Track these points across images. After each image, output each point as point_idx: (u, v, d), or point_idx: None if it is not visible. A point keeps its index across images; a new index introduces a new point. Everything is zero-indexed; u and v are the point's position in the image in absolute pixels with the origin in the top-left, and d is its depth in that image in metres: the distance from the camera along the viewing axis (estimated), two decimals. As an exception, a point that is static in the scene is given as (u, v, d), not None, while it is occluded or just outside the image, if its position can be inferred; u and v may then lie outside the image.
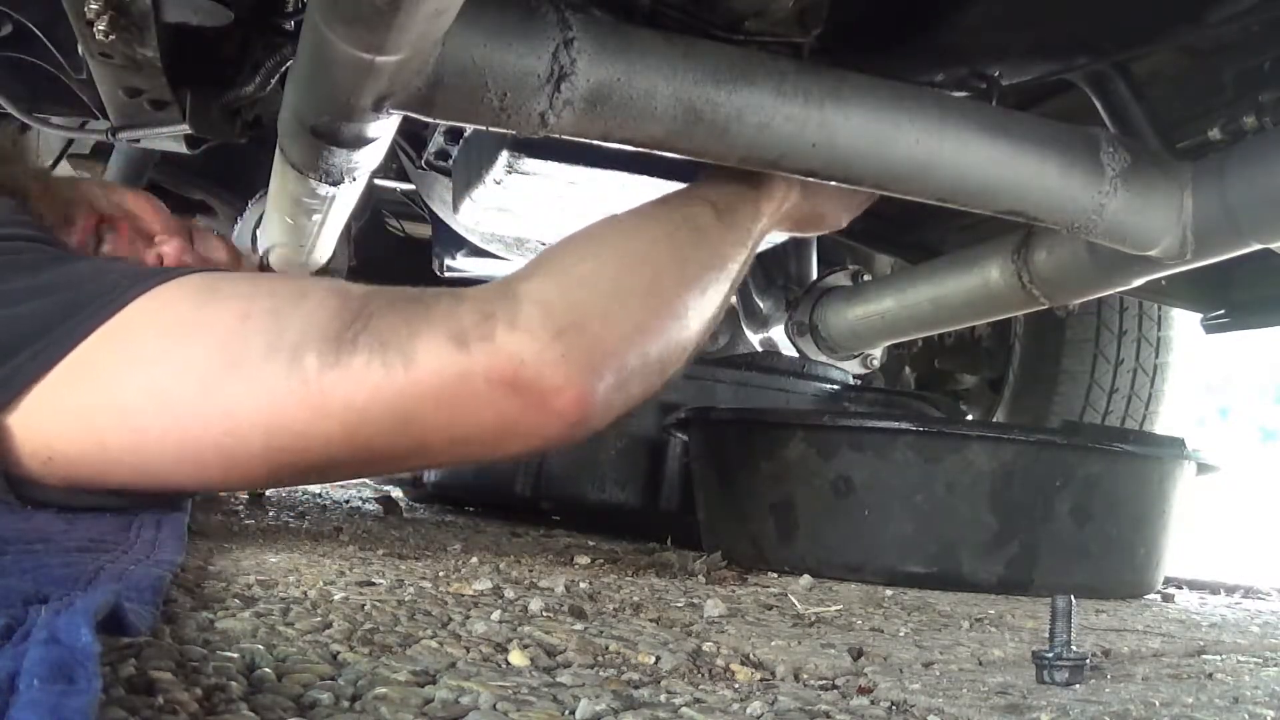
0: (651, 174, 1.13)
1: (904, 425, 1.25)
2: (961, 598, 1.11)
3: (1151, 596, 1.35)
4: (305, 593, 0.73)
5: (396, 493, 2.22)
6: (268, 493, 1.67)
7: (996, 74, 1.10)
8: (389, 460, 0.88)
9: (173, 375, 0.79)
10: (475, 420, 0.80)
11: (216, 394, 0.78)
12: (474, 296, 0.82)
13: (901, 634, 0.83)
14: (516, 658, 0.59)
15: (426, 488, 1.99)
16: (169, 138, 1.22)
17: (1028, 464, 1.20)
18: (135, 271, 0.87)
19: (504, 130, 0.84)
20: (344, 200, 1.17)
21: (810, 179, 0.93)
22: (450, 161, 1.31)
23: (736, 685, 0.59)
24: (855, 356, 1.75)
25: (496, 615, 0.72)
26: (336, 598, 0.73)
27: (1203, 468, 1.31)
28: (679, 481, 1.73)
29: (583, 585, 0.95)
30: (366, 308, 0.80)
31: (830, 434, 1.25)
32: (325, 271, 1.65)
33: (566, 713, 0.48)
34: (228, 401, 0.78)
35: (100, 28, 0.92)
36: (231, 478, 0.85)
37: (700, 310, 0.91)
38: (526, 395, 0.79)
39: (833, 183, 0.94)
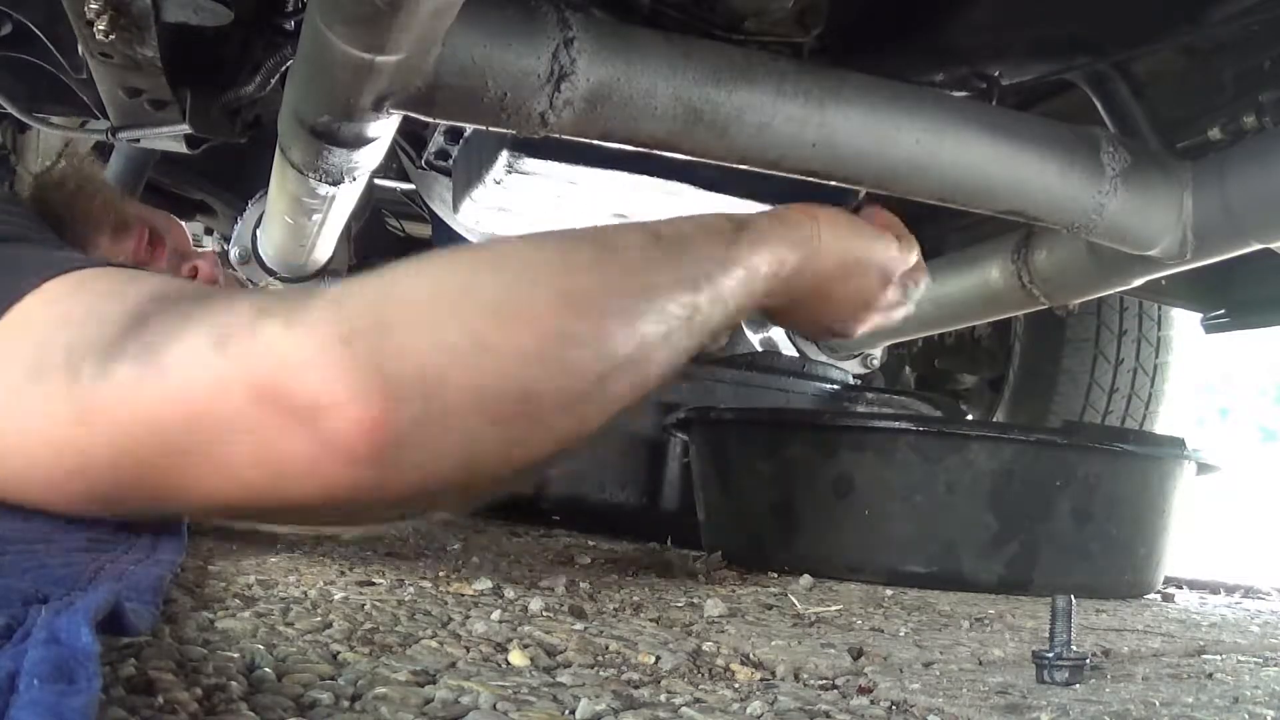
0: (652, 174, 1.13)
1: (905, 425, 1.24)
2: (961, 598, 1.11)
3: (1151, 596, 1.35)
4: (305, 592, 0.73)
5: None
6: None
7: (996, 74, 1.10)
8: (173, 494, 0.67)
9: (3, 381, 0.69)
10: (234, 447, 0.61)
11: (17, 403, 0.68)
12: (266, 292, 0.70)
13: (901, 634, 0.82)
14: (516, 658, 0.59)
15: None
16: (169, 137, 1.22)
17: (1028, 464, 1.19)
18: (41, 261, 0.77)
19: (504, 130, 0.84)
20: (344, 200, 1.17)
21: (840, 265, 0.80)
22: (450, 161, 1.31)
23: (736, 685, 0.59)
24: (855, 356, 1.75)
25: (496, 615, 0.72)
26: (336, 597, 0.73)
27: (1203, 468, 1.31)
28: (679, 481, 1.72)
29: (583, 585, 0.95)
30: (153, 306, 0.67)
31: (831, 434, 1.24)
32: (325, 271, 1.65)
33: (566, 713, 0.48)
34: (23, 414, 0.68)
35: (100, 27, 0.92)
36: (50, 496, 0.72)
37: (601, 349, 0.66)
38: (289, 412, 0.59)
39: (852, 280, 0.82)
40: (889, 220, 0.89)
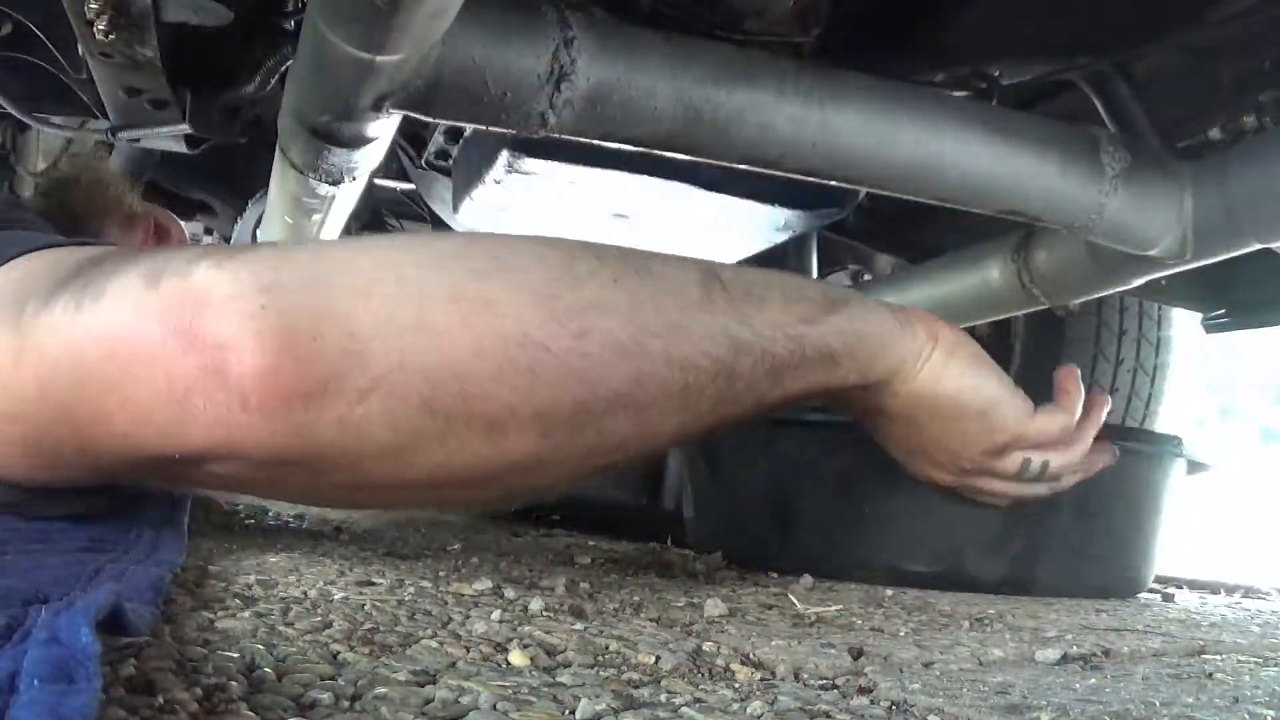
0: (652, 174, 1.13)
1: None
2: (962, 597, 1.11)
3: (1151, 596, 1.35)
4: (305, 592, 0.73)
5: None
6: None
7: (996, 74, 1.10)
8: (92, 440, 0.64)
9: None
10: (145, 378, 0.59)
11: None
12: (217, 246, 0.67)
13: (901, 634, 0.82)
14: (516, 658, 0.59)
15: None
16: (169, 137, 1.22)
17: None
18: (20, 239, 0.76)
19: (504, 130, 0.84)
20: (344, 200, 1.17)
21: (943, 400, 0.73)
22: (450, 161, 1.31)
23: (736, 685, 0.59)
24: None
25: (496, 615, 0.72)
26: (336, 597, 0.73)
27: (1194, 465, 1.31)
28: (679, 481, 1.72)
29: (583, 585, 0.95)
30: (107, 254, 0.66)
31: (832, 430, 1.21)
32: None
33: (566, 713, 0.48)
34: None
35: (100, 27, 0.92)
36: (6, 460, 0.69)
37: (583, 372, 0.59)
38: (199, 350, 0.57)
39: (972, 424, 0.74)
40: (1068, 384, 0.80)
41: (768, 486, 1.28)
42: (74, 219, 1.13)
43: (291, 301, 0.58)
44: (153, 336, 0.58)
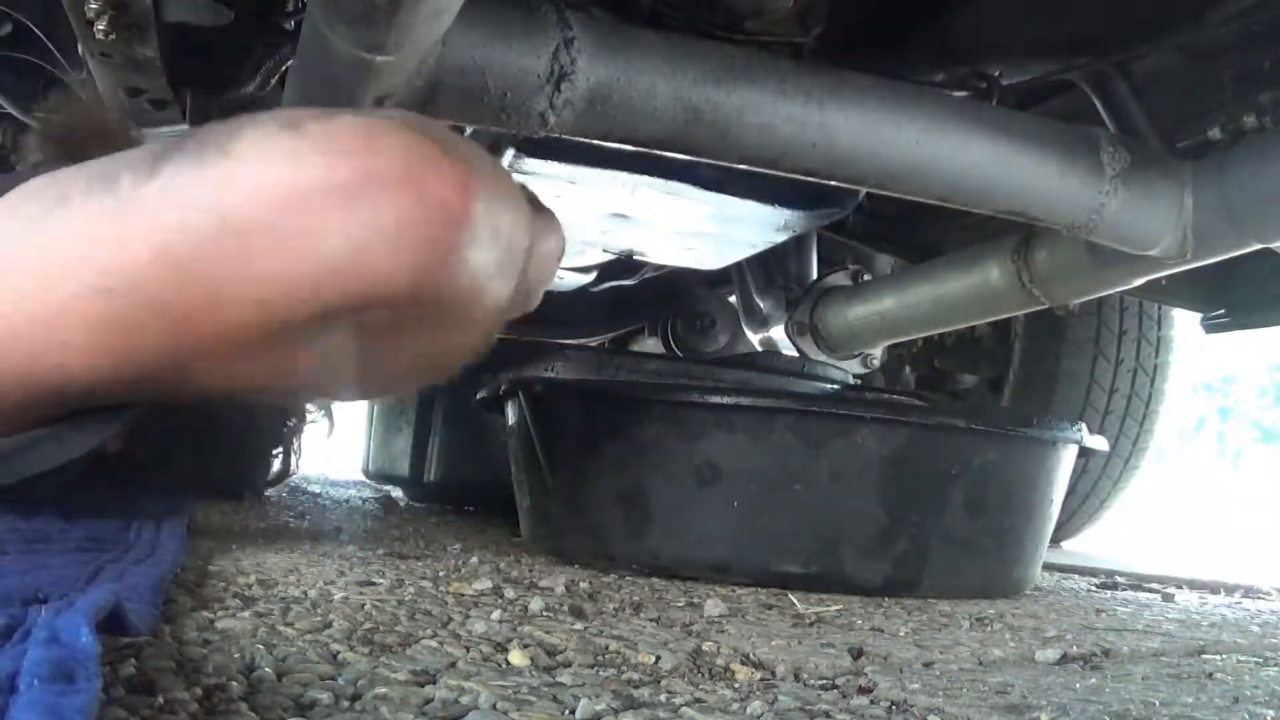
0: (651, 174, 1.14)
1: (783, 404, 1.07)
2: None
3: (1151, 596, 1.35)
4: (305, 592, 0.73)
5: (397, 493, 2.22)
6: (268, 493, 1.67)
7: (996, 74, 1.10)
8: (217, 295, 0.63)
9: (7, 232, 0.67)
10: (318, 215, 0.60)
11: (34, 233, 0.66)
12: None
13: (901, 634, 0.83)
14: (516, 657, 0.59)
15: (427, 487, 1.99)
16: (169, 137, 1.22)
17: (923, 450, 1.06)
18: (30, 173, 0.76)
19: (504, 130, 0.84)
20: (344, 200, 1.17)
21: None
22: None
23: (736, 685, 0.59)
24: (855, 356, 1.76)
25: (496, 615, 0.72)
26: (336, 597, 0.73)
27: (1085, 451, 1.21)
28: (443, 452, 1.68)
29: (583, 585, 0.95)
30: (199, 127, 0.65)
31: (694, 411, 1.06)
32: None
33: (566, 712, 0.48)
34: (41, 240, 0.65)
35: (100, 27, 0.92)
36: (52, 349, 0.67)
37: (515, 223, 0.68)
38: (389, 170, 0.59)
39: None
40: None
41: (616, 475, 1.12)
42: (70, 155, 1.12)
43: (442, 135, 0.61)
44: (322, 170, 0.58)
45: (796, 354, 1.81)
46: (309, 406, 1.59)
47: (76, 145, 1.13)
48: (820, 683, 0.62)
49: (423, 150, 0.60)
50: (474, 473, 1.87)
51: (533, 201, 0.73)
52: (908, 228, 1.84)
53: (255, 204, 0.59)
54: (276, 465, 1.60)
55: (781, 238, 1.40)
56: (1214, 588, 1.52)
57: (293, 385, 0.78)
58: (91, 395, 0.73)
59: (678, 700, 0.53)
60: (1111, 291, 1.23)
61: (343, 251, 0.60)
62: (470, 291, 0.65)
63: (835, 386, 1.64)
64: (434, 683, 0.51)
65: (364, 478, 2.35)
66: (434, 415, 1.95)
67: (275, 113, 0.63)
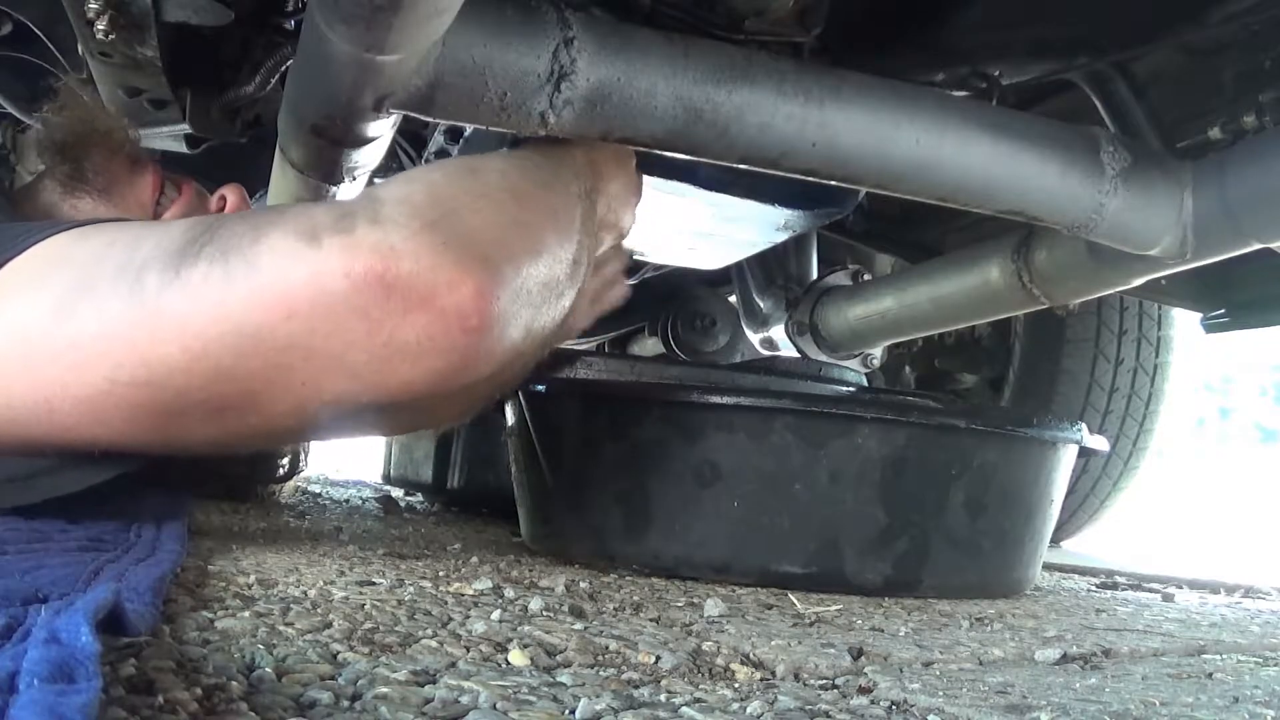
0: (651, 173, 1.13)
1: (783, 404, 1.07)
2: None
3: (1151, 596, 1.35)
4: (305, 592, 0.73)
5: (397, 492, 2.22)
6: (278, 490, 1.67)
7: (996, 73, 1.10)
8: (254, 398, 0.69)
9: (30, 309, 0.70)
10: (343, 334, 0.65)
11: (64, 323, 0.69)
12: (330, 201, 0.70)
13: (901, 633, 0.83)
14: (516, 657, 0.59)
15: (451, 493, 1.98)
16: (169, 137, 1.22)
17: (923, 450, 1.06)
18: (39, 225, 0.79)
19: (504, 130, 0.84)
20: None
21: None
22: (450, 161, 1.31)
23: (736, 685, 0.59)
24: (855, 356, 1.75)
25: (496, 615, 0.72)
26: (336, 597, 0.73)
27: (1085, 451, 1.21)
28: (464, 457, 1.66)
29: (583, 585, 0.95)
30: (219, 220, 0.70)
31: (694, 412, 1.07)
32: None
33: (566, 712, 0.48)
34: (73, 330, 0.69)
35: (100, 27, 0.92)
36: (83, 423, 0.72)
37: (567, 221, 0.78)
38: (408, 292, 0.64)
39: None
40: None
41: (616, 475, 1.12)
42: (79, 169, 1.13)
43: (454, 232, 0.66)
44: (343, 295, 0.63)
45: (796, 353, 1.80)
46: None
47: (75, 149, 1.13)
48: (820, 683, 0.62)
49: (440, 263, 0.64)
50: (497, 479, 1.86)
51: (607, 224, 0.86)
52: (908, 228, 1.83)
53: (284, 323, 0.64)
54: (285, 464, 1.60)
55: (782, 237, 1.39)
56: (1214, 588, 1.52)
57: (320, 439, 0.88)
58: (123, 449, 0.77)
59: (678, 700, 0.53)
60: (1111, 291, 1.23)
61: (369, 364, 0.66)
62: (499, 368, 0.71)
63: (850, 388, 1.62)
64: (434, 683, 0.51)
65: (385, 484, 2.34)
66: (457, 422, 1.94)
67: (296, 215, 0.67)
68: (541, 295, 0.73)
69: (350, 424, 0.76)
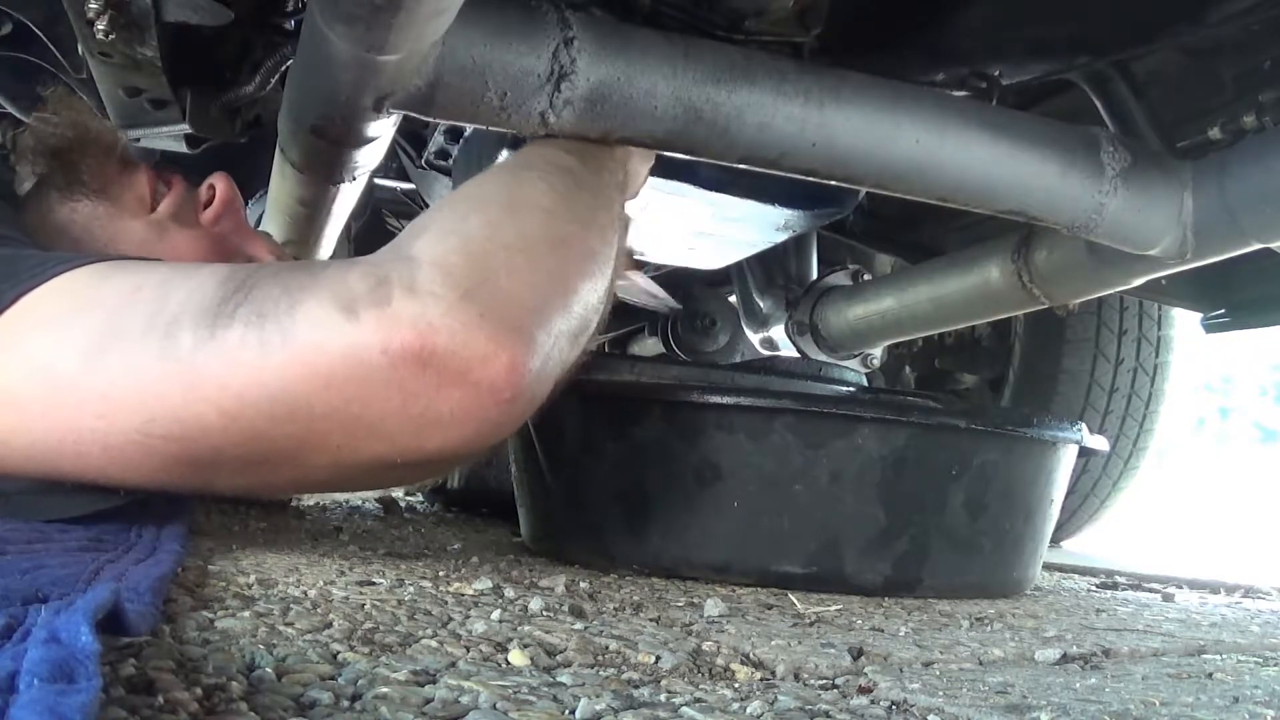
0: (651, 173, 1.13)
1: (783, 404, 1.07)
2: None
3: (1151, 596, 1.35)
4: (305, 592, 0.73)
5: (397, 493, 2.21)
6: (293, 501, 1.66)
7: (996, 74, 1.10)
8: (290, 457, 0.72)
9: (56, 350, 0.71)
10: (379, 405, 0.67)
11: (94, 370, 0.70)
12: (365, 261, 0.71)
13: (901, 633, 0.83)
14: (516, 657, 0.59)
15: (452, 494, 1.98)
16: (169, 137, 1.22)
17: (923, 450, 1.06)
18: (53, 257, 0.79)
19: (504, 130, 0.84)
20: (344, 200, 1.17)
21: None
22: (450, 161, 1.31)
23: (736, 685, 0.59)
24: (855, 356, 1.75)
25: (496, 615, 0.72)
26: (336, 597, 0.73)
27: (1085, 451, 1.20)
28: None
29: (583, 585, 0.95)
30: (251, 278, 0.70)
31: (694, 412, 1.07)
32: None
33: (566, 712, 0.48)
34: (103, 379, 0.69)
35: (100, 27, 0.92)
36: (112, 468, 0.74)
37: (604, 258, 0.80)
38: (443, 369, 0.66)
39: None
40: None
41: (616, 475, 1.12)
42: (73, 173, 1.13)
43: (490, 301, 0.68)
44: (381, 368, 0.66)
45: (796, 353, 1.80)
46: None
47: (70, 154, 1.13)
48: (820, 683, 0.62)
49: (476, 338, 0.66)
50: (497, 479, 1.86)
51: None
52: (908, 228, 1.83)
53: (321, 392, 0.67)
54: None
55: (781, 237, 1.39)
56: (1214, 588, 1.52)
57: (350, 490, 0.93)
58: None
59: (678, 700, 0.53)
60: (1111, 291, 1.23)
61: (403, 432, 0.69)
62: (526, 415, 0.73)
63: (850, 388, 1.62)
64: (434, 682, 0.51)
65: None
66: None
67: (331, 281, 0.68)
68: (571, 344, 0.76)
69: (383, 478, 0.82)
